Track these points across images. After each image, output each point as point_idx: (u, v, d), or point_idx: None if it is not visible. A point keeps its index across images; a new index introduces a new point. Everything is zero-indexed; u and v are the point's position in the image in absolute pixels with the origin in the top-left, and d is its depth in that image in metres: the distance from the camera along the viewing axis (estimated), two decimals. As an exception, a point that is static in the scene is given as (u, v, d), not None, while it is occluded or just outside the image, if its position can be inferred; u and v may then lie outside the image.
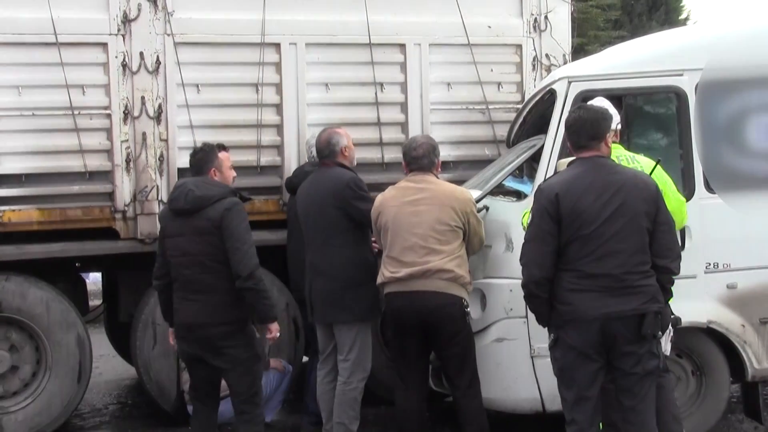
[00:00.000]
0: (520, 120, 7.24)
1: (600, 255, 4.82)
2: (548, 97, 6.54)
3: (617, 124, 5.65)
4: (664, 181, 5.37)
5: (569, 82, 6.22)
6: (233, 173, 5.94)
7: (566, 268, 4.88)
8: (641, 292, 4.82)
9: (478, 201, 6.22)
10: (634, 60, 6.44)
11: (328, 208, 6.14)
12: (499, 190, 6.54)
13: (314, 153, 6.98)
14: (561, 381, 5.01)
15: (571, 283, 4.86)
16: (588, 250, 4.83)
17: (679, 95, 6.19)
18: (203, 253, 5.52)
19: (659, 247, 4.88)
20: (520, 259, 5.02)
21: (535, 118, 7.00)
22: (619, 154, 5.43)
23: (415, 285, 5.78)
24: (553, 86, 6.41)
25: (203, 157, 5.79)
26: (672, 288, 4.99)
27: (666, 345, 5.32)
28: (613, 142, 5.38)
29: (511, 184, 6.63)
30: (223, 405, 6.65)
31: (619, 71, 6.30)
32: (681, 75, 6.17)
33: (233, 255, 5.46)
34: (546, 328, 5.08)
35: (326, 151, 6.35)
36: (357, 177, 6.26)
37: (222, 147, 5.94)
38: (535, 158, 6.37)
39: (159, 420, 7.47)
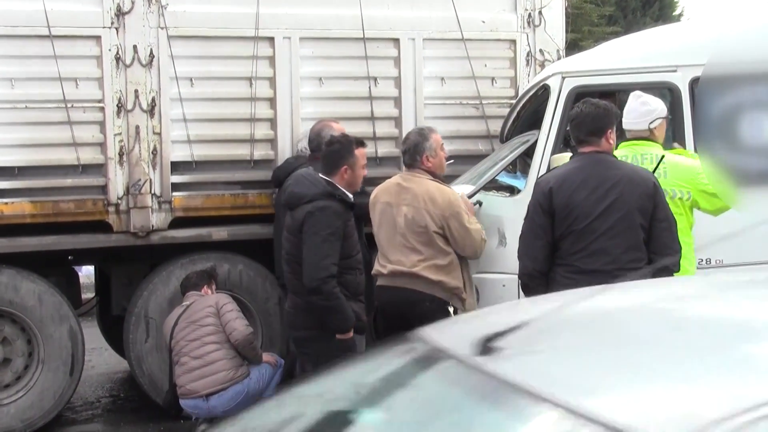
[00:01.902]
0: (514, 115, 7.25)
1: (592, 251, 4.82)
2: (542, 93, 6.54)
3: (658, 119, 5.52)
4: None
5: (563, 78, 6.23)
6: (365, 172, 5.58)
7: (560, 263, 4.90)
8: (633, 288, 4.83)
9: (471, 196, 6.22)
10: (628, 56, 6.45)
11: None
12: (493, 185, 6.55)
13: (300, 147, 6.98)
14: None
15: (565, 278, 4.87)
16: (581, 245, 4.84)
17: (672, 91, 6.20)
18: (291, 254, 5.31)
19: (657, 244, 4.87)
20: (517, 252, 5.05)
21: (528, 114, 7.01)
22: (645, 152, 5.32)
23: (398, 281, 5.79)
24: (547, 82, 6.42)
25: (339, 150, 5.38)
26: None
27: None
28: (649, 139, 5.32)
29: (505, 179, 6.63)
30: (215, 400, 6.66)
31: (612, 67, 6.30)
32: (674, 71, 6.17)
33: (303, 264, 5.17)
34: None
35: (314, 143, 6.33)
36: None
37: (360, 143, 5.55)
38: (529, 153, 6.38)
39: (151, 413, 7.47)
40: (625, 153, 5.27)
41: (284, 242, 5.35)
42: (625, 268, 4.82)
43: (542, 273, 4.92)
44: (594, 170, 4.91)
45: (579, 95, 5.96)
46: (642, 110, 5.36)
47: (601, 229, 4.82)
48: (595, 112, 5.00)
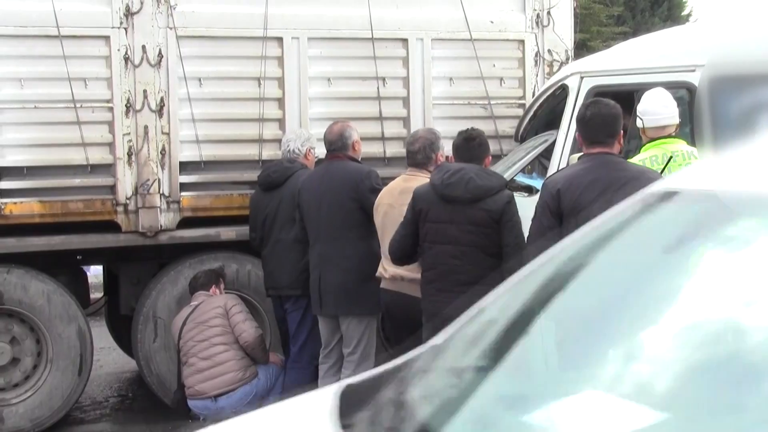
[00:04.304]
0: (530, 114, 7.23)
1: (601, 252, 4.80)
2: (560, 93, 6.53)
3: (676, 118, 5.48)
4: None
5: (581, 78, 6.22)
6: None
7: (569, 264, 4.87)
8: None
9: None
10: (646, 56, 6.44)
11: (345, 200, 6.11)
12: (511, 186, 6.53)
13: (290, 147, 6.89)
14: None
15: (573, 279, 4.86)
16: (590, 246, 4.82)
17: (690, 91, 6.16)
18: (477, 245, 5.30)
19: None
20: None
21: (545, 113, 6.98)
22: (675, 150, 5.28)
23: (399, 286, 5.76)
24: (565, 81, 6.41)
25: (482, 143, 5.58)
26: None
27: None
28: (672, 135, 5.28)
29: (522, 179, 6.61)
30: (223, 400, 6.67)
31: (631, 67, 6.29)
32: (693, 71, 6.13)
33: (512, 250, 5.23)
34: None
35: (338, 143, 6.31)
36: (375, 170, 6.25)
37: None
38: (544, 154, 6.36)
39: (159, 413, 7.48)
40: (655, 153, 5.21)
41: (463, 235, 5.32)
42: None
43: None
44: (602, 171, 4.89)
45: (597, 95, 5.94)
46: (674, 105, 5.34)
47: None
48: (610, 113, 4.96)
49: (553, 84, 6.79)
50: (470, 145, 5.54)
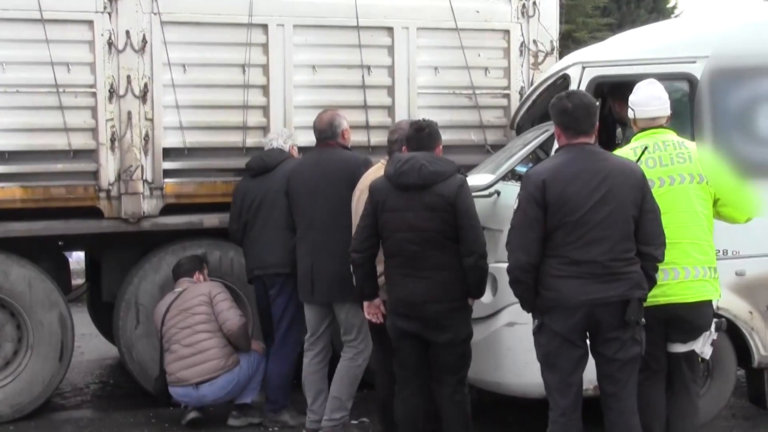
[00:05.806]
0: (528, 103, 7.24)
1: (586, 242, 4.82)
2: (561, 82, 6.55)
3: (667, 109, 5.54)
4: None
5: (583, 68, 6.25)
6: None
7: (552, 255, 4.88)
8: (626, 279, 4.84)
9: (490, 186, 6.18)
10: (648, 47, 6.47)
11: (342, 188, 6.11)
12: (511, 175, 6.54)
13: (273, 145, 6.90)
14: (545, 367, 5.02)
15: (557, 270, 4.87)
16: (574, 236, 4.83)
17: (691, 82, 6.18)
18: (434, 230, 5.39)
19: (645, 234, 4.89)
20: (507, 245, 5.02)
21: (545, 103, 6.97)
22: (666, 139, 5.31)
23: None
24: (567, 71, 6.43)
25: (432, 132, 5.67)
26: (656, 275, 4.99)
27: (704, 348, 5.22)
28: (663, 126, 5.31)
29: (521, 169, 6.61)
30: (205, 388, 6.66)
31: (632, 57, 6.32)
32: (693, 62, 6.15)
33: (468, 232, 5.36)
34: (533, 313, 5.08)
35: (328, 132, 6.36)
36: (370, 159, 6.26)
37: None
38: (542, 144, 6.39)
39: (140, 400, 7.46)
40: (645, 143, 5.24)
41: (420, 222, 5.38)
42: (618, 259, 4.83)
43: (534, 266, 4.90)
44: (586, 162, 4.91)
45: (599, 85, 6.01)
46: (665, 96, 5.36)
47: (595, 220, 4.82)
48: (592, 103, 5.03)
49: (554, 74, 6.80)
50: (420, 135, 5.63)
